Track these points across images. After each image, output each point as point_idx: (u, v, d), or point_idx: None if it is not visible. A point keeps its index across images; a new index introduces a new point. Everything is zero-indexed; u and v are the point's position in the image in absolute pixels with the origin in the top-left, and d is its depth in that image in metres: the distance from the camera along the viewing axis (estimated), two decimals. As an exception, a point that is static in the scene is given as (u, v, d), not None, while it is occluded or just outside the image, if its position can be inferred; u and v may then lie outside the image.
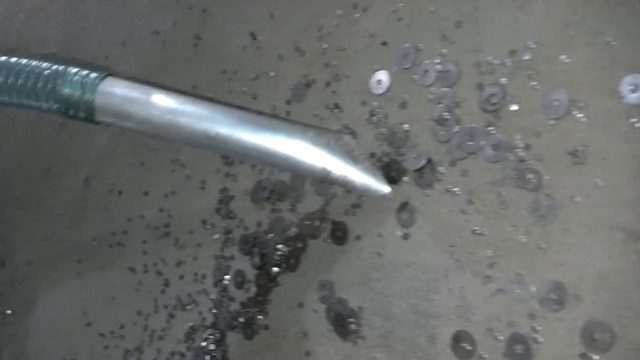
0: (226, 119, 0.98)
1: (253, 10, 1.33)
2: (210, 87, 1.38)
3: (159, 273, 1.40)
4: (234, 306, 1.23)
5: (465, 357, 0.90)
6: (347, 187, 1.00)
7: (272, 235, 1.20)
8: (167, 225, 1.41)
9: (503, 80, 0.91)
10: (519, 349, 0.85)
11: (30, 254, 1.81)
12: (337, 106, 1.13)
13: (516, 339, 0.85)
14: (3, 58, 0.99)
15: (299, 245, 1.15)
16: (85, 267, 1.61)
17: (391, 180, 1.01)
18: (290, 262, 1.15)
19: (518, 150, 0.88)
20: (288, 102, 1.22)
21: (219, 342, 1.25)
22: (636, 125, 0.79)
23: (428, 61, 1.01)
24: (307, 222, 1.14)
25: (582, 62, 0.85)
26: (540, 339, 0.84)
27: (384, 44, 1.08)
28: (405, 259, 0.99)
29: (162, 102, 0.97)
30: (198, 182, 1.36)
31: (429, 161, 0.98)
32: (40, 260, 1.77)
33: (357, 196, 1.07)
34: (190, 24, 1.47)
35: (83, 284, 1.61)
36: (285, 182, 1.19)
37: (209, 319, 1.28)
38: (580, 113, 0.84)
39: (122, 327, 1.46)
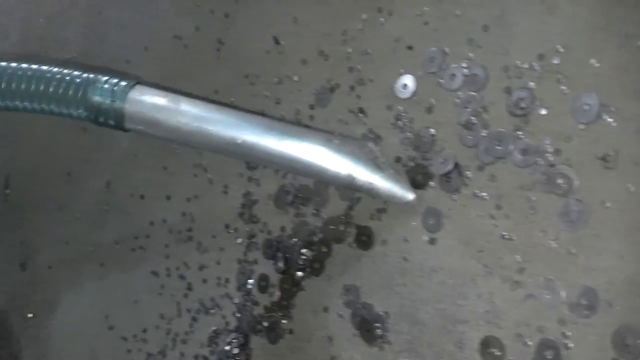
0: (253, 126, 0.99)
1: (276, 15, 1.33)
2: (233, 92, 1.38)
3: (181, 277, 1.41)
4: (258, 310, 1.23)
5: (494, 363, 0.89)
6: (372, 194, 1.01)
7: (296, 239, 1.20)
8: (189, 230, 1.41)
9: (531, 84, 0.91)
10: (548, 354, 0.85)
11: (52, 257, 1.82)
12: (361, 110, 1.13)
13: (546, 344, 0.85)
14: (34, 66, 1.00)
15: (324, 249, 1.14)
16: (107, 270, 1.62)
17: (417, 185, 1.01)
18: (315, 267, 1.15)
19: (547, 154, 0.88)
20: (312, 107, 1.22)
21: (243, 346, 1.25)
22: (669, 129, 0.79)
23: (455, 65, 1.00)
24: (332, 227, 1.14)
25: (613, 66, 0.84)
26: (571, 345, 0.83)
27: (410, 48, 1.08)
28: (432, 264, 0.98)
29: (190, 109, 0.99)
30: (221, 186, 1.36)
31: (456, 166, 0.98)
32: (62, 263, 1.78)
33: (383, 201, 1.06)
34: (212, 28, 1.47)
35: (105, 287, 1.61)
36: (309, 186, 1.19)
37: (233, 323, 1.28)
38: (610, 117, 0.83)
39: (144, 330, 1.46)
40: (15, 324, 1.89)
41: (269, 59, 1.32)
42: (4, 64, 1.01)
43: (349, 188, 1.06)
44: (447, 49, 1.02)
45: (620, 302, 0.80)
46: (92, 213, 1.70)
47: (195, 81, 1.47)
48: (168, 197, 1.49)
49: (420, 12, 1.07)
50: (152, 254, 1.50)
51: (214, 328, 1.31)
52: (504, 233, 0.91)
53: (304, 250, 1.18)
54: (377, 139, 1.09)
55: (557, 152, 0.87)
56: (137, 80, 1.01)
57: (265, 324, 1.21)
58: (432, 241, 0.99)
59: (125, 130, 1.01)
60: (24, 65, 1.02)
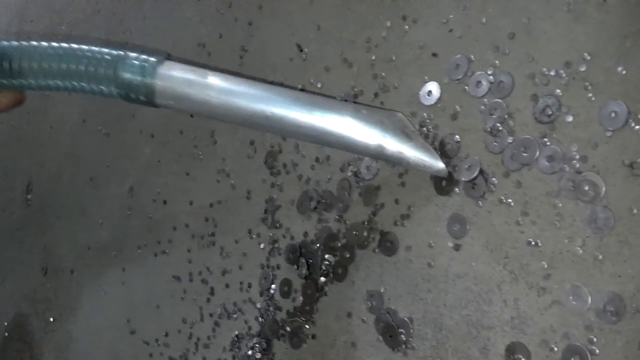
0: (281, 98, 0.99)
1: (299, 22, 1.34)
2: (256, 98, 1.39)
3: (204, 282, 1.42)
4: (281, 315, 1.24)
5: (520, 368, 0.89)
6: (402, 163, 1.00)
7: (318, 245, 1.20)
8: (212, 235, 1.42)
9: (558, 91, 0.91)
10: (575, 361, 0.85)
11: (74, 262, 1.84)
12: (385, 117, 1.13)
13: (572, 350, 0.85)
14: (65, 45, 1.01)
15: (347, 255, 1.15)
16: (130, 275, 1.63)
17: (442, 191, 1.02)
18: (338, 272, 1.16)
19: (574, 161, 0.88)
20: (335, 113, 1.22)
21: (265, 351, 1.25)
22: (697, 136, 0.79)
23: (480, 72, 1.01)
24: (355, 232, 1.14)
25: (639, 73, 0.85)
26: (597, 351, 0.83)
27: (434, 55, 1.08)
28: (456, 270, 0.99)
29: (219, 83, 0.98)
30: (244, 191, 1.37)
31: (482, 172, 0.98)
32: (84, 267, 1.79)
33: (407, 206, 1.07)
34: (236, 36, 1.48)
35: (127, 291, 1.63)
36: (332, 192, 1.20)
37: (255, 328, 1.28)
38: (637, 125, 0.83)
39: (166, 335, 1.47)
40: (37, 328, 1.91)
41: (293, 66, 1.33)
42: (35, 43, 1.02)
43: (379, 158, 1.06)
44: (472, 56, 1.03)
45: (647, 309, 0.80)
46: (115, 218, 1.72)
47: (219, 88, 1.48)
48: (191, 203, 1.50)
49: (445, 19, 1.08)
50: (174, 259, 1.51)
51: (236, 332, 1.32)
52: (530, 239, 0.91)
53: (327, 256, 1.18)
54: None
55: (583, 158, 0.87)
56: (166, 56, 1.02)
57: (288, 328, 1.22)
58: (456, 247, 0.99)
59: (156, 106, 1.02)
60: (55, 45, 1.02)
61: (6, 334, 2.03)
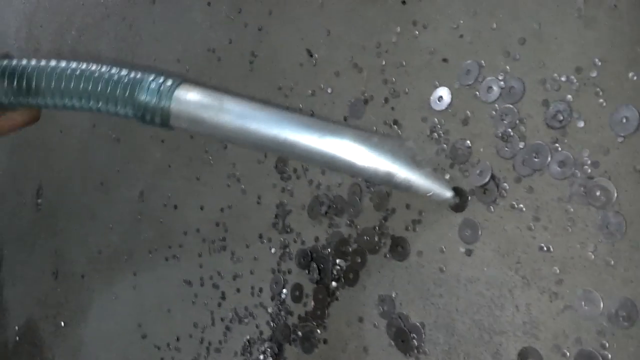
0: (294, 124, 1.00)
1: (309, 28, 1.34)
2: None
3: (215, 286, 1.42)
4: (292, 320, 1.24)
5: (532, 373, 0.90)
6: (410, 191, 1.01)
7: (330, 249, 1.21)
8: (223, 239, 1.43)
9: (569, 97, 0.91)
10: (587, 366, 0.85)
11: (85, 266, 1.84)
12: (396, 122, 1.14)
13: (584, 355, 0.85)
14: (84, 65, 1.02)
15: (358, 260, 1.15)
16: (141, 279, 1.64)
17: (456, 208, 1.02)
18: (349, 277, 1.16)
19: (586, 167, 0.88)
20: (345, 119, 1.23)
21: (277, 355, 1.26)
22: None
23: (491, 78, 1.01)
24: (366, 237, 1.15)
25: (651, 79, 0.85)
26: (609, 356, 0.83)
27: (445, 60, 1.09)
28: (468, 275, 0.99)
29: (234, 108, 1.00)
30: (254, 196, 1.38)
31: (493, 177, 0.98)
32: (95, 272, 1.80)
33: (418, 211, 1.07)
34: (245, 41, 1.49)
35: (138, 296, 1.63)
36: (342, 197, 1.20)
37: (267, 333, 1.29)
38: (649, 130, 0.84)
39: (178, 339, 1.48)
40: (48, 332, 1.92)
41: (303, 71, 1.34)
42: (54, 63, 1.04)
43: (388, 185, 1.07)
44: (483, 62, 1.03)
45: (660, 314, 0.81)
46: (125, 223, 1.73)
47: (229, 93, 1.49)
48: (201, 207, 1.51)
49: (456, 25, 1.08)
50: (185, 263, 1.52)
51: (247, 337, 1.32)
52: (541, 244, 0.91)
53: (338, 261, 1.19)
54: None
55: (595, 164, 0.88)
56: (182, 79, 1.03)
57: (300, 333, 1.22)
58: (468, 252, 1.00)
59: (170, 128, 1.03)
60: (73, 64, 1.04)
61: (17, 338, 2.04)
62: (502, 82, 1.00)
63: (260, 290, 1.32)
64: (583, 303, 0.86)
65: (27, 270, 2.12)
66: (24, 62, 1.02)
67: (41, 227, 2.11)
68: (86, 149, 1.93)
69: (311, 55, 1.33)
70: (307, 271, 1.23)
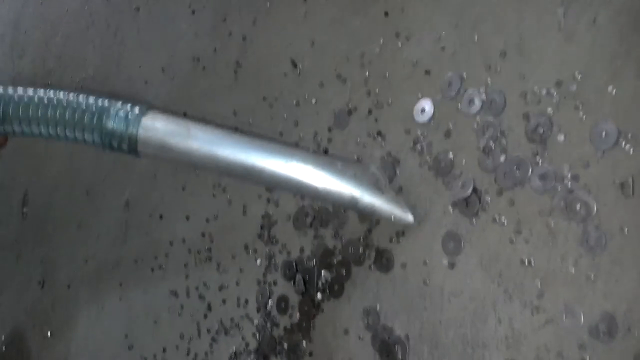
0: (261, 150, 1.02)
1: (294, 38, 1.34)
2: (251, 113, 1.40)
3: (201, 297, 1.42)
4: (278, 331, 1.25)
5: (515, 386, 0.90)
6: (374, 215, 1.05)
7: (315, 261, 1.21)
8: (209, 250, 1.43)
9: (550, 110, 0.92)
10: (569, 379, 0.85)
11: (71, 275, 1.84)
12: (379, 133, 1.14)
13: (566, 369, 0.86)
14: (51, 93, 1.02)
15: (343, 271, 1.16)
16: (127, 289, 1.63)
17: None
18: (334, 289, 1.17)
19: (566, 180, 0.89)
20: (330, 129, 1.23)
21: (263, 367, 1.26)
22: (687, 157, 0.80)
23: (473, 90, 1.02)
24: (351, 249, 1.15)
25: (630, 93, 0.85)
26: (591, 370, 0.84)
27: (427, 72, 1.09)
28: (452, 288, 0.99)
29: (201, 134, 1.02)
30: (240, 207, 1.38)
31: (475, 190, 0.99)
32: (81, 282, 1.80)
33: (402, 224, 1.08)
34: (230, 50, 1.49)
35: (125, 306, 1.63)
36: (328, 208, 1.20)
37: (252, 344, 1.29)
38: (628, 144, 0.84)
39: (164, 350, 1.48)
40: (35, 342, 1.91)
41: (287, 82, 1.34)
42: (20, 90, 1.04)
43: (352, 209, 1.11)
44: (464, 74, 1.04)
45: (639, 328, 0.81)
46: (111, 232, 1.72)
47: (214, 102, 1.49)
48: (187, 217, 1.51)
49: (438, 37, 1.08)
50: (171, 274, 1.51)
51: (234, 348, 1.32)
52: (523, 258, 0.92)
53: (323, 272, 1.19)
54: (395, 162, 1.10)
55: (575, 178, 0.88)
56: (149, 106, 1.04)
57: (285, 345, 1.23)
58: (451, 265, 1.00)
59: (138, 156, 1.03)
60: (41, 92, 1.04)
61: (3, 347, 2.03)
62: (483, 95, 1.00)
63: (246, 301, 1.32)
64: (564, 317, 0.87)
65: (13, 279, 2.11)
66: None
67: (27, 235, 2.11)
68: (72, 157, 1.93)
69: (295, 66, 1.33)
70: (292, 282, 1.24)
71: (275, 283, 1.27)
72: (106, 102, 1.02)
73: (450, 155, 1.03)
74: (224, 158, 1.01)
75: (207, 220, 1.45)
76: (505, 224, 0.94)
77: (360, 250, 1.13)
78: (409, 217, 1.05)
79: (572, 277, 0.87)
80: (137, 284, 1.60)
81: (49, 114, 1.02)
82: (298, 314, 1.22)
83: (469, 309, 0.97)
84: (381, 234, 1.11)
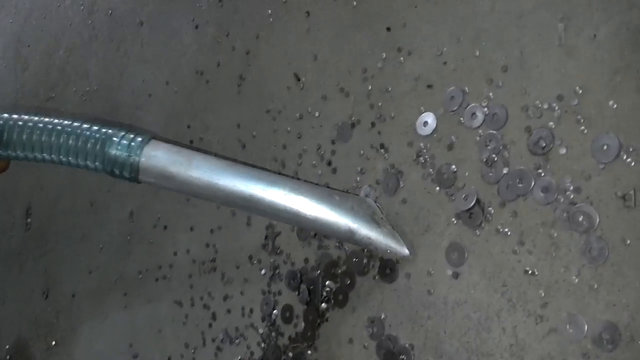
0: (260, 182, 1.06)
1: (297, 52, 1.37)
2: (255, 126, 1.42)
3: (206, 307, 1.44)
4: (283, 340, 1.26)
5: (519, 394, 0.92)
6: (370, 248, 1.08)
7: (319, 271, 1.22)
8: (213, 260, 1.45)
9: (551, 124, 0.94)
10: (572, 387, 0.87)
11: (75, 286, 1.85)
12: (382, 146, 1.16)
13: (570, 377, 0.88)
14: (56, 120, 1.05)
15: (347, 282, 1.17)
16: (131, 299, 1.65)
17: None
18: (339, 299, 1.18)
19: (568, 192, 0.91)
20: (333, 142, 1.25)
21: (268, 376, 1.28)
22: (686, 170, 0.82)
23: (475, 104, 1.04)
24: (355, 259, 1.17)
25: (630, 107, 0.87)
26: (594, 378, 0.86)
27: (430, 86, 1.11)
28: (456, 298, 1.01)
29: (202, 164, 1.04)
30: (244, 218, 1.40)
31: (478, 202, 1.01)
32: (85, 292, 1.81)
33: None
34: (233, 64, 1.51)
35: (129, 316, 1.64)
36: (331, 219, 1.22)
37: (257, 353, 1.30)
38: (629, 157, 0.86)
39: (169, 359, 1.49)
40: (39, 351, 1.93)
41: (290, 95, 1.36)
42: (25, 116, 1.07)
43: (349, 242, 1.14)
44: (466, 88, 1.06)
45: (642, 336, 0.83)
46: (115, 243, 1.74)
47: (218, 115, 1.51)
48: (191, 228, 1.52)
49: (440, 52, 1.10)
50: (176, 284, 1.53)
51: (239, 358, 1.34)
52: (527, 268, 0.94)
53: (327, 282, 1.21)
54: (398, 174, 1.12)
55: (577, 190, 0.90)
56: (152, 136, 1.07)
57: (290, 354, 1.24)
58: (455, 275, 1.02)
59: (139, 182, 1.07)
60: (46, 119, 1.07)
61: (8, 357, 2.04)
62: (485, 109, 1.02)
63: (251, 311, 1.34)
64: (568, 326, 0.89)
65: (17, 289, 2.13)
66: None
67: (31, 246, 2.12)
68: (76, 170, 1.94)
69: (299, 80, 1.35)
70: (297, 292, 1.25)
71: (279, 293, 1.29)
72: (110, 131, 1.05)
73: (453, 168, 1.05)
74: (224, 188, 1.04)
75: (212, 231, 1.47)
76: (509, 235, 0.96)
77: (365, 260, 1.15)
78: (405, 251, 1.08)
79: (575, 287, 0.89)
80: (141, 294, 1.61)
81: (52, 140, 1.05)
82: (303, 323, 1.23)
83: (473, 319, 0.99)
84: (385, 245, 1.13)
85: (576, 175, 0.91)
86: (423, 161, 1.10)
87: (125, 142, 1.04)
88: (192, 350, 1.45)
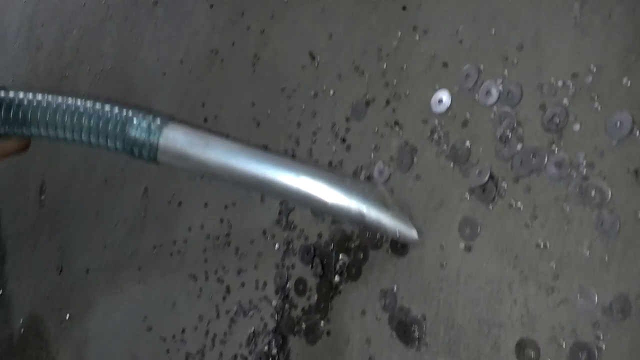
0: (274, 164, 1.09)
1: (312, 31, 1.39)
2: (269, 104, 1.45)
3: (219, 280, 1.46)
4: (296, 312, 1.29)
5: (530, 363, 0.95)
6: (379, 231, 1.11)
7: (332, 245, 1.25)
8: (227, 235, 1.47)
9: (565, 101, 0.96)
10: (582, 355, 0.90)
11: (89, 261, 1.88)
12: (397, 123, 1.19)
13: (580, 346, 0.90)
14: (78, 101, 1.08)
15: (360, 255, 1.20)
16: (146, 274, 1.67)
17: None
18: (352, 272, 1.21)
19: (581, 168, 0.93)
20: (347, 120, 1.27)
21: (281, 347, 1.30)
22: (697, 146, 0.84)
23: (490, 82, 1.06)
24: (368, 234, 1.19)
25: (644, 85, 0.90)
26: (604, 347, 0.88)
27: (445, 64, 1.14)
28: (468, 271, 1.04)
29: (219, 146, 1.08)
30: (258, 194, 1.42)
31: (492, 177, 1.03)
32: (100, 267, 1.84)
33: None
34: (248, 43, 1.53)
35: (143, 290, 1.67)
36: (345, 195, 1.24)
37: (271, 325, 1.33)
38: (642, 134, 0.89)
39: (183, 331, 1.52)
40: (53, 325, 1.96)
41: (305, 74, 1.38)
42: (50, 96, 1.10)
43: (359, 224, 1.16)
44: (482, 66, 1.08)
45: (651, 307, 0.86)
46: (130, 219, 1.76)
47: (232, 94, 1.53)
48: (205, 205, 1.55)
49: (455, 31, 1.13)
50: (190, 259, 1.56)
51: (252, 329, 1.37)
52: (539, 242, 0.96)
53: (341, 256, 1.23)
54: (413, 151, 1.14)
55: (590, 166, 0.92)
56: (171, 117, 1.10)
57: (304, 325, 1.27)
58: (468, 249, 1.04)
59: (157, 163, 1.10)
60: (68, 100, 1.10)
61: (22, 330, 2.07)
62: (500, 86, 1.05)
63: (265, 284, 1.36)
64: (579, 297, 0.91)
65: (31, 265, 2.16)
66: (20, 94, 1.09)
67: (45, 223, 2.15)
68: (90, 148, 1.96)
69: (313, 58, 1.37)
70: (310, 266, 1.28)
71: (293, 267, 1.31)
72: (130, 112, 1.08)
73: (468, 144, 1.07)
74: (238, 169, 1.07)
75: (226, 207, 1.49)
76: (522, 209, 0.99)
77: (378, 235, 1.18)
78: (414, 234, 1.10)
79: (586, 260, 0.91)
80: (156, 268, 1.64)
81: (74, 120, 1.08)
82: (316, 296, 1.26)
83: (485, 291, 1.01)
84: (399, 220, 1.15)
85: (589, 151, 0.93)
86: (437, 138, 1.12)
87: (144, 124, 1.07)
88: (206, 323, 1.47)
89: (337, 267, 1.23)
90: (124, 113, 1.08)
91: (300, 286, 1.29)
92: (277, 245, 1.36)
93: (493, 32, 1.07)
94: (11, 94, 1.10)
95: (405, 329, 1.10)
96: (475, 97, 1.08)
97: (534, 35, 1.02)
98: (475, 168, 1.06)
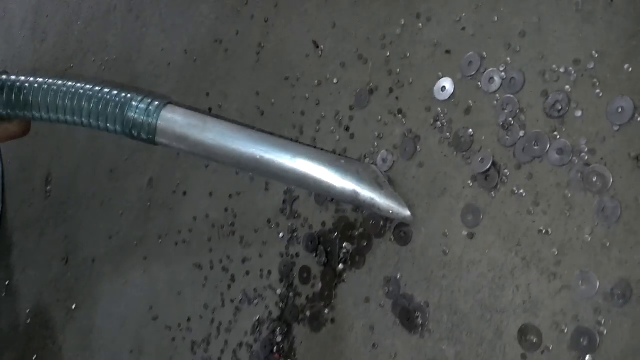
0: (270, 145, 1.11)
1: (315, 20, 1.39)
2: (273, 93, 1.45)
3: (225, 269, 1.47)
4: (300, 300, 1.29)
5: (532, 349, 0.95)
6: (373, 209, 1.12)
7: (336, 234, 1.25)
8: (232, 224, 1.48)
9: (567, 87, 0.96)
10: (584, 341, 0.90)
11: (95, 251, 1.89)
12: (400, 111, 1.19)
13: (581, 331, 0.90)
14: (78, 84, 1.09)
15: (364, 243, 1.20)
16: (151, 263, 1.68)
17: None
18: (355, 260, 1.21)
19: (583, 154, 0.93)
20: (351, 108, 1.28)
21: (286, 334, 1.31)
22: (699, 131, 0.84)
23: (492, 69, 1.06)
24: (372, 222, 1.19)
25: (645, 71, 0.90)
26: (605, 332, 0.88)
27: (448, 52, 1.14)
28: (471, 257, 1.04)
29: (216, 128, 1.10)
30: (262, 183, 1.43)
31: (494, 164, 1.03)
32: (105, 257, 1.85)
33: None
34: (252, 33, 1.53)
35: (149, 279, 1.68)
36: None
37: (276, 313, 1.34)
38: (643, 120, 0.89)
39: (189, 320, 1.53)
40: (59, 315, 1.97)
41: (309, 62, 1.39)
42: (51, 80, 1.12)
43: (353, 203, 1.17)
44: (484, 54, 1.08)
45: (652, 293, 0.86)
46: (135, 209, 1.77)
47: (237, 83, 1.53)
48: (210, 194, 1.55)
49: (458, 18, 1.13)
50: (195, 248, 1.56)
51: (257, 317, 1.37)
52: (541, 228, 0.96)
53: (344, 244, 1.24)
54: (416, 138, 1.15)
55: (592, 152, 0.93)
56: (169, 100, 1.12)
57: (308, 313, 1.27)
58: (470, 236, 1.05)
59: (155, 144, 1.11)
60: (68, 83, 1.12)
61: (28, 320, 2.09)
62: (503, 73, 1.05)
63: (269, 272, 1.37)
64: (580, 283, 0.91)
65: (37, 255, 2.17)
66: (22, 78, 1.11)
67: (50, 213, 2.16)
68: (95, 137, 1.97)
69: (317, 47, 1.37)
70: (314, 254, 1.28)
71: (297, 255, 1.32)
72: (129, 95, 1.10)
73: (470, 132, 1.08)
74: (235, 150, 1.09)
75: (230, 197, 1.50)
76: (524, 196, 0.99)
77: (381, 223, 1.18)
78: (406, 212, 1.12)
79: (588, 246, 0.91)
80: (161, 257, 1.65)
81: (74, 103, 1.09)
82: (320, 284, 1.27)
83: (488, 277, 1.01)
84: (402, 207, 1.15)
85: (591, 137, 0.93)
86: (440, 125, 1.12)
87: (143, 105, 1.09)
88: (212, 311, 1.48)
89: (341, 255, 1.24)
90: (123, 95, 1.10)
91: (305, 274, 1.30)
92: (281, 234, 1.36)
93: (496, 19, 1.07)
94: (13, 78, 1.12)
95: (408, 316, 1.11)
96: (478, 84, 1.08)
97: (536, 22, 1.02)
98: (478, 155, 1.06)
